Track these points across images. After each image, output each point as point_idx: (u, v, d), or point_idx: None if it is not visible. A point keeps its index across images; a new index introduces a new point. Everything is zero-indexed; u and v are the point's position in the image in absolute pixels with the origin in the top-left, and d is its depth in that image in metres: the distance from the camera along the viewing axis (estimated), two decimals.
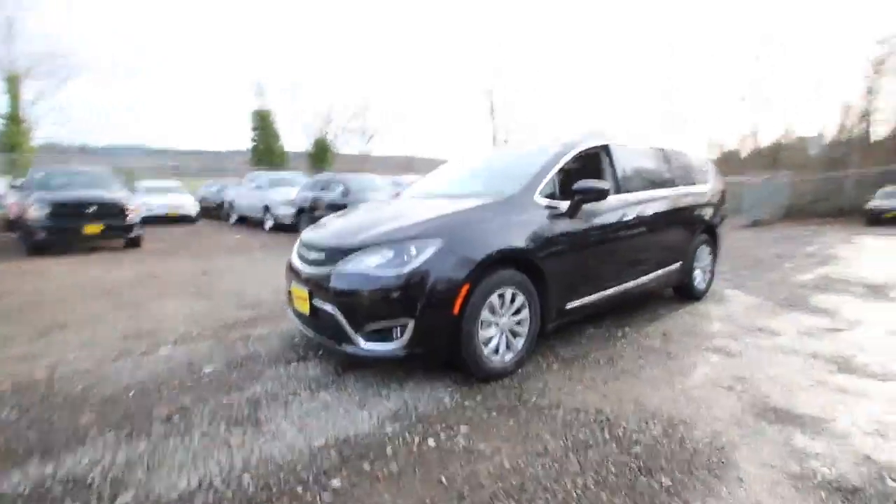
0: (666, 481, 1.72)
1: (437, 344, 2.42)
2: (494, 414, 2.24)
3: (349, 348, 2.48)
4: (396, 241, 2.47)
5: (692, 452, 1.91)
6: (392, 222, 2.71)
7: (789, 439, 1.99)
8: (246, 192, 13.40)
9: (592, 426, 2.12)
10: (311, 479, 1.75)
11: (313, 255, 2.78)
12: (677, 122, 25.83)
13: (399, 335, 2.38)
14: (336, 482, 1.72)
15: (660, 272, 3.79)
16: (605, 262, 3.27)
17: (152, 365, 2.90)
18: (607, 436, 2.04)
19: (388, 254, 2.43)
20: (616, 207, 3.33)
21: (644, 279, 3.62)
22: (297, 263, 2.91)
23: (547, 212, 2.87)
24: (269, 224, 12.02)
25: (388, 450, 1.94)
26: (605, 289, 3.25)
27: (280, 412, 2.26)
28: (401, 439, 2.02)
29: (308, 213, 10.51)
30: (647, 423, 2.15)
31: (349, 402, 2.37)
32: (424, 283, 2.35)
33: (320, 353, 3.05)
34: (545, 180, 2.99)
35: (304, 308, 2.71)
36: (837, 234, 11.32)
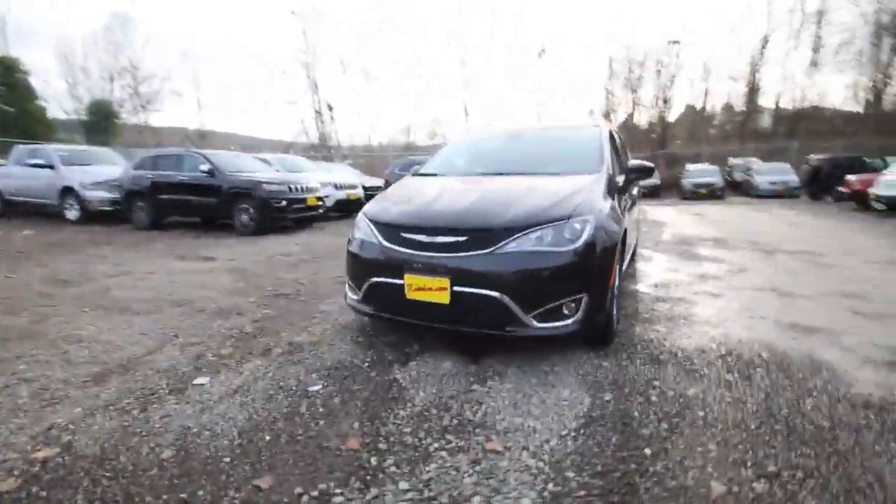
0: None
1: (599, 317, 2.49)
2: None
3: (519, 331, 2.33)
4: (555, 218, 2.40)
5: None
6: (519, 200, 2.58)
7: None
8: (19, 172, 9.59)
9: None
10: None
11: (445, 240, 2.44)
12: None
13: (574, 311, 2.37)
14: None
15: None
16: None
17: None
18: None
19: (550, 232, 2.36)
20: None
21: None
22: (411, 250, 2.50)
23: (616, 185, 3.18)
24: (73, 213, 8.98)
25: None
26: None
27: None
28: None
29: (149, 198, 8.31)
30: None
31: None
32: (593, 258, 2.39)
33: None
34: (608, 158, 3.27)
35: (440, 298, 2.38)
36: (668, 206, 14.77)
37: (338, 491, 1.55)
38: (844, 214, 11.01)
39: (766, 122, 33.55)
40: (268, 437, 1.86)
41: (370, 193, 11.56)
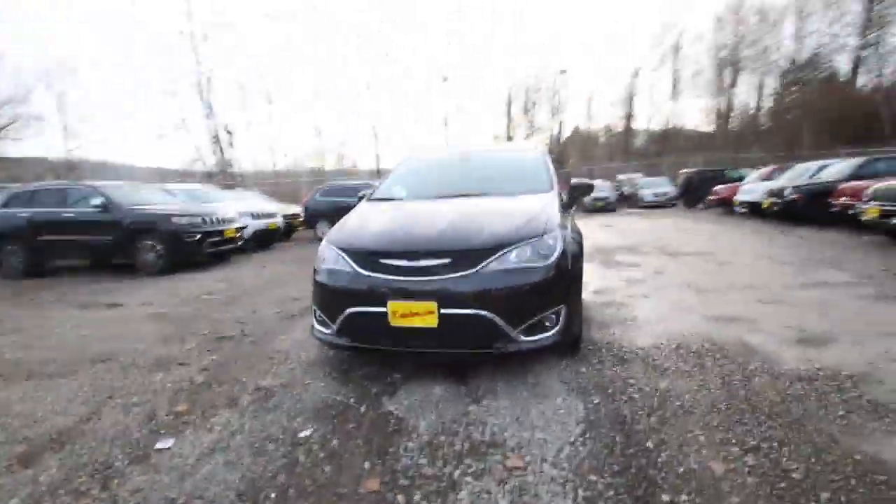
0: None
1: (574, 326, 2.65)
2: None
3: (508, 347, 2.39)
4: (529, 236, 2.53)
5: None
6: (491, 221, 2.68)
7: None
8: None
9: None
10: None
11: (428, 263, 2.43)
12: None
13: (555, 322, 2.49)
14: None
15: None
16: None
17: None
18: None
19: (528, 249, 2.48)
20: None
21: None
22: (393, 276, 2.45)
23: (563, 202, 3.44)
24: None
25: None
26: None
27: None
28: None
29: (23, 241, 7.11)
30: None
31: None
32: (567, 270, 2.55)
33: None
34: (555, 179, 3.53)
35: (427, 322, 2.36)
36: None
37: None
38: (716, 218, 12.92)
39: (641, 141, 38.32)
40: (274, 495, 1.68)
41: (289, 222, 11.03)
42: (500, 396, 2.39)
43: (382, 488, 1.70)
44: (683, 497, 1.58)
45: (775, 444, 1.85)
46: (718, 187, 14.40)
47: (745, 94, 35.78)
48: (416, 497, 1.64)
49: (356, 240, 2.74)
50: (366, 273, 2.53)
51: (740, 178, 15.31)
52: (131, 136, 47.26)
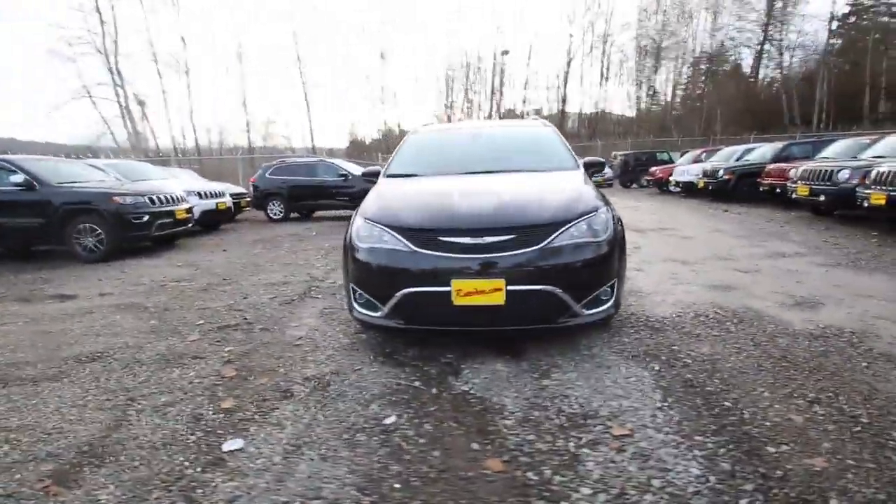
0: None
1: (622, 297, 2.73)
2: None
3: (572, 321, 2.43)
4: (585, 212, 2.54)
5: None
6: (542, 197, 2.67)
7: None
8: None
9: None
10: None
11: (493, 239, 2.36)
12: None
13: (610, 295, 2.55)
14: None
15: None
16: None
17: None
18: None
19: (584, 225, 2.50)
20: None
21: None
22: (457, 254, 2.35)
23: None
24: None
25: None
26: None
27: None
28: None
29: None
30: None
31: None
32: (617, 245, 2.61)
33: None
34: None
35: (493, 300, 2.32)
36: None
37: None
38: (656, 197, 13.94)
39: (573, 125, 40.04)
40: (398, 485, 1.58)
41: (235, 202, 10.26)
42: (565, 370, 2.42)
43: (507, 467, 1.66)
44: (785, 448, 1.71)
45: (831, 395, 2.06)
46: (654, 168, 15.51)
47: (665, 82, 38.55)
48: (547, 473, 1.62)
49: (405, 216, 2.59)
50: (425, 252, 2.41)
51: (671, 160, 16.61)
52: (12, 107, 40.45)
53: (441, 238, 2.42)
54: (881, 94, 24.88)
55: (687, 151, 17.26)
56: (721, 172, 10.81)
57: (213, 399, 2.26)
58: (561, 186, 2.87)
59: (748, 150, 11.62)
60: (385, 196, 2.97)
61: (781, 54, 31.25)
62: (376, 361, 2.61)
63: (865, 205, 5.89)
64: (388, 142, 39.22)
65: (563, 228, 2.43)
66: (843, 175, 6.69)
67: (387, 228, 2.56)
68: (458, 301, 2.35)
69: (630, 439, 1.80)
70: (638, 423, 1.91)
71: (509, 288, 2.31)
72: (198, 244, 7.59)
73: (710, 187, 11.12)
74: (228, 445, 1.86)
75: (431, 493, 1.55)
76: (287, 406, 2.15)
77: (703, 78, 36.77)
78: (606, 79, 38.34)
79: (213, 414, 2.12)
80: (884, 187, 5.65)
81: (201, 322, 3.47)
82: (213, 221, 9.26)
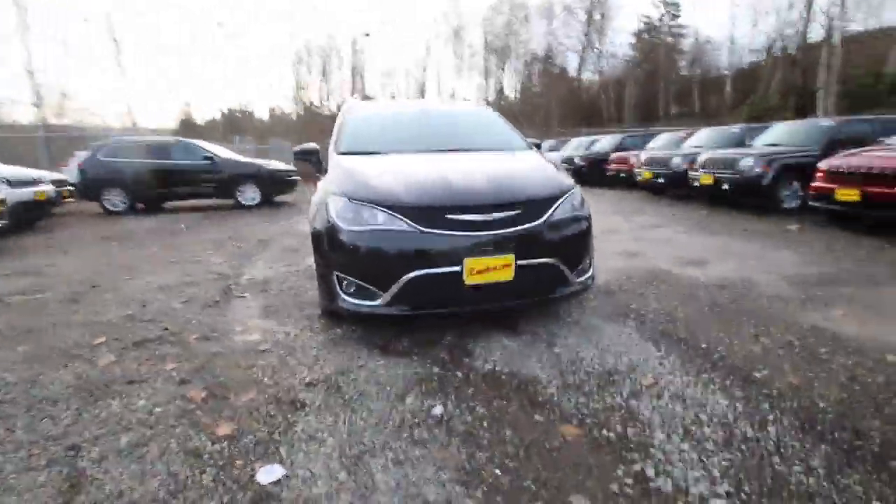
0: None
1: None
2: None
3: (567, 290, 2.56)
4: (568, 189, 2.67)
5: None
6: (527, 174, 2.76)
7: None
8: None
9: None
10: None
11: (501, 215, 2.33)
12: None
13: (589, 265, 2.76)
14: None
15: None
16: None
17: None
18: None
19: (570, 201, 2.63)
20: None
21: None
22: (466, 233, 2.27)
23: None
24: None
25: None
26: None
27: None
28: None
29: None
30: None
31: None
32: (590, 220, 2.83)
33: None
34: None
35: (503, 275, 2.32)
36: None
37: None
38: None
39: None
40: (498, 471, 1.50)
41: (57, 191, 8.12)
42: (565, 337, 2.56)
43: (582, 430, 1.71)
44: (765, 372, 2.11)
45: (763, 328, 2.61)
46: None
47: (510, 79, 42.19)
48: (618, 427, 1.72)
49: (402, 195, 2.39)
50: (434, 231, 2.27)
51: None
52: None
53: (448, 216, 2.31)
54: (672, 97, 31.46)
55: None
56: (578, 160, 12.44)
57: (197, 427, 1.80)
58: (536, 165, 2.98)
59: (593, 142, 13.56)
60: (362, 173, 2.68)
61: (600, 60, 36.97)
62: (375, 355, 2.39)
63: (696, 184, 7.43)
64: (233, 123, 35.01)
65: (558, 203, 2.54)
66: (677, 162, 8.32)
67: (381, 208, 2.34)
68: (469, 280, 2.29)
69: (659, 386, 2.01)
70: (655, 372, 2.14)
71: (518, 263, 2.34)
72: (19, 247, 5.77)
73: (569, 172, 12.68)
74: (266, 476, 1.52)
75: (534, 468, 1.52)
76: (308, 417, 1.84)
77: (539, 77, 41.37)
78: (464, 70, 40.40)
79: (213, 444, 1.69)
80: (709, 170, 7.20)
81: (101, 340, 2.69)
82: (31, 217, 7.13)
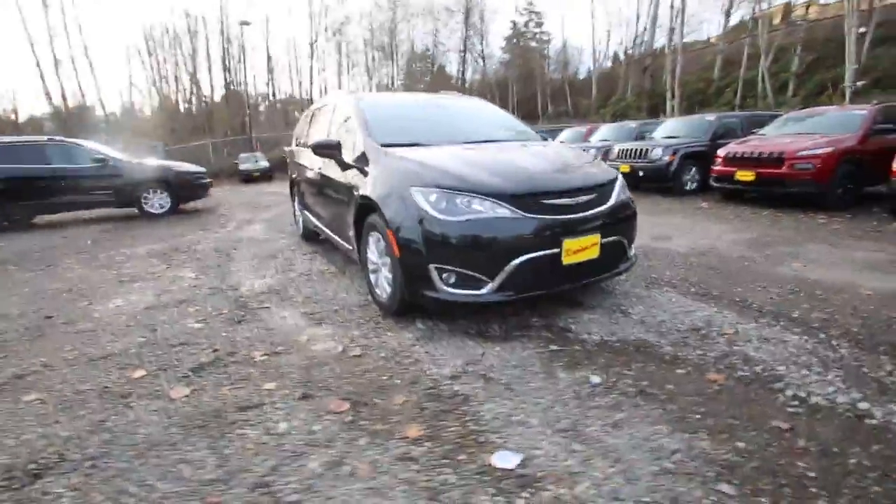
0: None
1: None
2: None
3: (625, 265, 2.85)
4: (615, 175, 2.95)
5: None
6: (576, 162, 2.97)
7: None
8: None
9: None
10: None
11: (585, 198, 2.52)
12: None
13: (632, 242, 3.08)
14: None
15: None
16: None
17: None
18: None
19: (620, 183, 2.93)
20: None
21: None
22: (562, 217, 2.41)
23: None
24: None
25: None
26: None
27: None
28: None
29: None
30: None
31: None
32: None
33: None
34: None
35: (591, 254, 2.52)
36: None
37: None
38: None
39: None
40: (712, 422, 1.70)
41: None
42: (630, 306, 2.85)
43: (724, 376, 1.99)
44: (798, 313, 2.65)
45: (762, 284, 3.21)
46: None
47: (395, 76, 42.22)
48: (745, 368, 2.05)
49: (495, 183, 2.43)
50: (536, 216, 2.38)
51: None
52: None
53: (544, 201, 2.43)
54: (548, 98, 34.63)
55: None
56: None
57: (384, 436, 1.68)
58: (576, 153, 3.23)
59: None
60: (439, 164, 2.62)
61: (478, 62, 39.04)
62: (486, 344, 2.40)
63: None
64: (62, 119, 28.74)
65: (617, 187, 2.82)
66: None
67: (482, 196, 2.37)
68: (566, 260, 2.45)
69: (742, 333, 2.41)
70: (727, 323, 2.54)
71: (602, 241, 2.56)
72: None
73: None
74: (503, 462, 1.51)
75: (720, 408, 1.75)
76: (487, 405, 1.83)
77: (420, 76, 42.21)
78: (346, 67, 39.32)
79: (417, 446, 1.61)
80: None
81: (143, 373, 2.26)
82: None
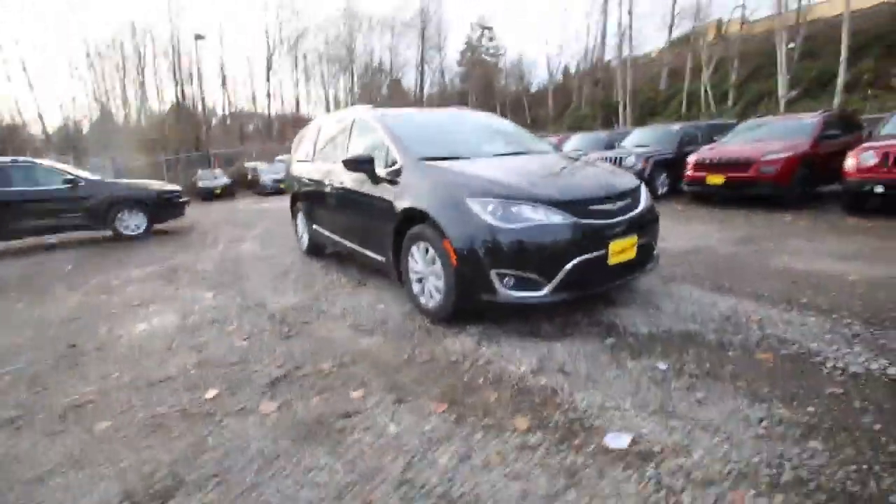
0: None
1: None
2: None
3: (652, 263, 3.11)
4: (639, 182, 3.21)
5: None
6: (600, 171, 3.20)
7: None
8: None
9: None
10: None
11: (622, 203, 2.76)
12: None
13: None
14: None
15: None
16: None
17: None
18: None
19: (645, 191, 3.19)
20: None
21: None
22: (607, 221, 2.63)
23: None
24: None
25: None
26: None
27: None
28: None
29: None
30: None
31: None
32: None
33: None
34: None
35: (630, 254, 2.75)
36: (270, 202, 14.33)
37: None
38: None
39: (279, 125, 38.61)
40: (767, 389, 1.93)
41: None
42: (662, 301, 3.09)
43: (772, 356, 2.25)
44: (806, 299, 2.99)
45: (769, 273, 3.58)
46: None
47: (352, 89, 42.01)
48: (784, 348, 2.32)
49: (548, 192, 2.62)
50: (587, 221, 2.58)
51: None
52: None
53: (591, 207, 2.64)
54: (508, 110, 35.68)
55: None
56: None
57: (503, 426, 1.80)
58: (599, 163, 3.47)
59: None
60: (487, 175, 2.78)
61: (435, 74, 39.72)
62: (546, 342, 2.56)
63: None
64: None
65: (643, 192, 3.08)
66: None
67: (535, 204, 2.54)
68: (612, 261, 2.67)
69: (767, 318, 2.70)
70: (749, 310, 2.83)
71: (639, 243, 2.80)
72: None
73: None
74: (616, 442, 1.67)
75: (783, 383, 2.00)
76: (578, 395, 1.99)
77: (378, 90, 42.32)
78: (306, 79, 38.88)
79: (531, 435, 1.74)
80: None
81: (216, 392, 2.24)
82: None
